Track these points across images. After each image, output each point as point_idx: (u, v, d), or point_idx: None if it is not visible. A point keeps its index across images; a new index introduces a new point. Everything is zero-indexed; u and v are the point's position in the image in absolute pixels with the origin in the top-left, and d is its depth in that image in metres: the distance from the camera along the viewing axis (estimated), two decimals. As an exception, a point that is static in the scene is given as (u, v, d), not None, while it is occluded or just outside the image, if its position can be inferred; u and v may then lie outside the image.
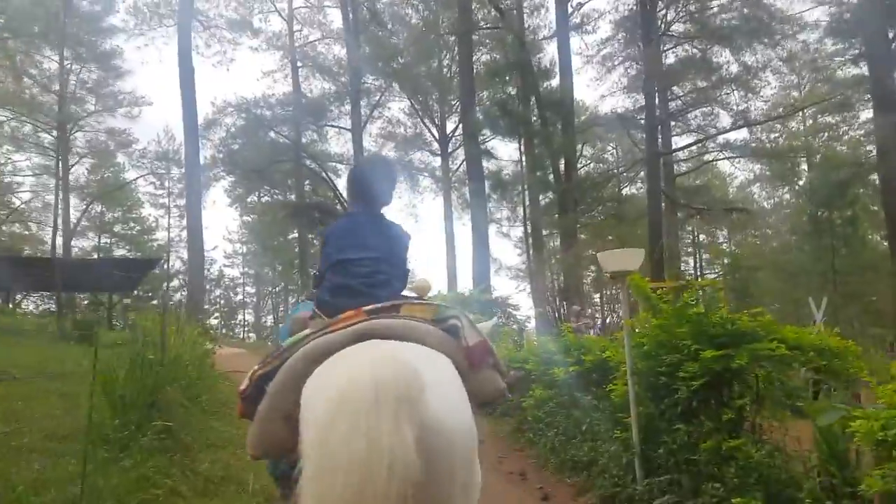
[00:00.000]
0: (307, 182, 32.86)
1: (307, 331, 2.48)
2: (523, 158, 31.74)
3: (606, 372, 7.25)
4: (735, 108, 27.34)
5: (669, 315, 5.67)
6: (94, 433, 4.69)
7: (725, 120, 28.17)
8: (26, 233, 46.47)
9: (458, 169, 36.56)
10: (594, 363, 7.44)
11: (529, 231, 31.48)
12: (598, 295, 44.61)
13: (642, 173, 35.08)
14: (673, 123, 29.41)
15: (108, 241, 49.38)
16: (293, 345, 2.39)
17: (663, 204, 25.66)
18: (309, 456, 1.67)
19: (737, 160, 32.77)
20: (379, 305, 2.47)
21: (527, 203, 31.76)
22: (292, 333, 2.63)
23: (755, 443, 4.98)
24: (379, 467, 1.55)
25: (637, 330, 6.29)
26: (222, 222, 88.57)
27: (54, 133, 42.54)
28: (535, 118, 25.73)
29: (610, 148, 39.03)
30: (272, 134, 29.15)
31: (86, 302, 40.65)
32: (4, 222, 44.02)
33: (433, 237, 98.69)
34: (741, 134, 29.47)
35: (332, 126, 31.48)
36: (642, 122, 26.17)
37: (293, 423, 2.06)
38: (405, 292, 3.10)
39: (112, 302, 37.25)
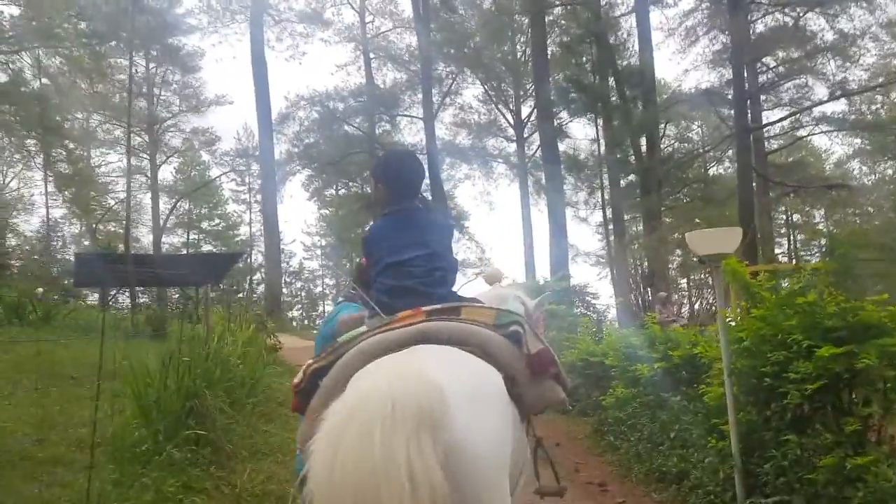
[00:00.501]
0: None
1: (364, 328, 2.43)
2: (601, 140, 30.41)
3: (697, 369, 6.38)
4: (831, 78, 25.22)
5: (773, 305, 4.78)
6: (119, 444, 4.23)
7: (821, 91, 26.01)
8: (120, 231, 48.63)
9: (534, 154, 35.66)
10: (683, 359, 6.58)
11: (609, 216, 30.24)
12: (684, 280, 42.62)
13: (730, 152, 33.37)
14: (763, 97, 27.45)
15: (196, 237, 50.91)
16: (350, 340, 2.33)
17: (754, 183, 23.99)
18: (316, 459, 1.52)
19: (834, 134, 30.41)
20: (439, 307, 2.41)
21: (605, 184, 30.41)
22: (339, 335, 2.50)
23: (887, 458, 4.07)
24: (397, 483, 1.41)
25: (733, 322, 5.41)
26: (301, 216, 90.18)
27: (144, 135, 44.18)
28: (613, 97, 24.53)
29: (694, 127, 37.05)
30: (346, 126, 28.98)
31: (176, 296, 42.19)
32: (100, 221, 46.04)
33: (509, 224, 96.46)
34: (838, 106, 27.24)
35: (405, 115, 31.05)
36: (730, 96, 24.55)
37: None
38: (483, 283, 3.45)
39: (198, 296, 38.35)
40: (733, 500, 4.67)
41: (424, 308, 2.39)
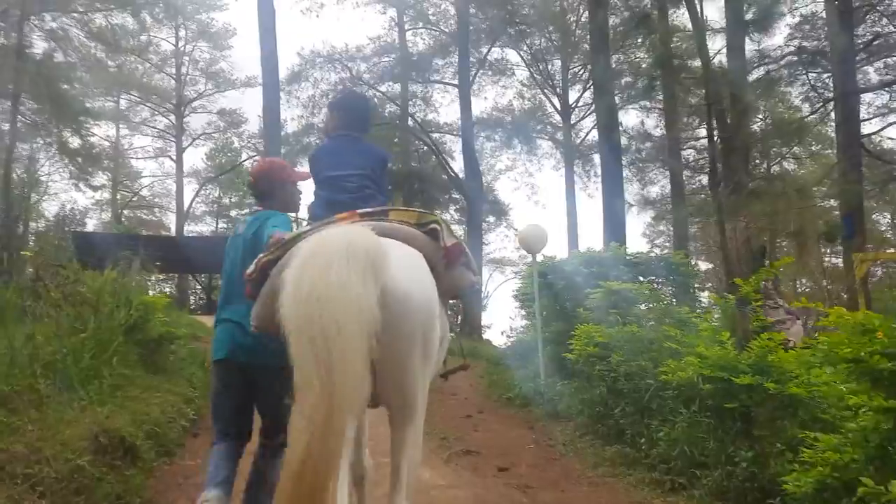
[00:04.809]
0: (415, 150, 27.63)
1: (307, 227, 2.75)
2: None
3: None
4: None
5: None
6: None
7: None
8: (152, 218, 45.08)
9: (582, 140, 30.58)
10: None
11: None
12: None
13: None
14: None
15: (226, 225, 47.06)
16: (295, 237, 2.54)
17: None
18: (287, 285, 1.87)
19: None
20: (370, 210, 2.73)
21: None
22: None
23: None
24: (351, 304, 1.78)
25: None
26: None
27: (171, 117, 40.45)
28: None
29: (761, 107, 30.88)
30: (372, 92, 24.16)
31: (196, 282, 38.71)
32: (125, 206, 42.47)
33: (553, 215, 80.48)
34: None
35: (439, 82, 25.88)
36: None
37: None
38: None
39: (211, 283, 34.38)
40: None
41: (359, 211, 2.69)
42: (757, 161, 26.41)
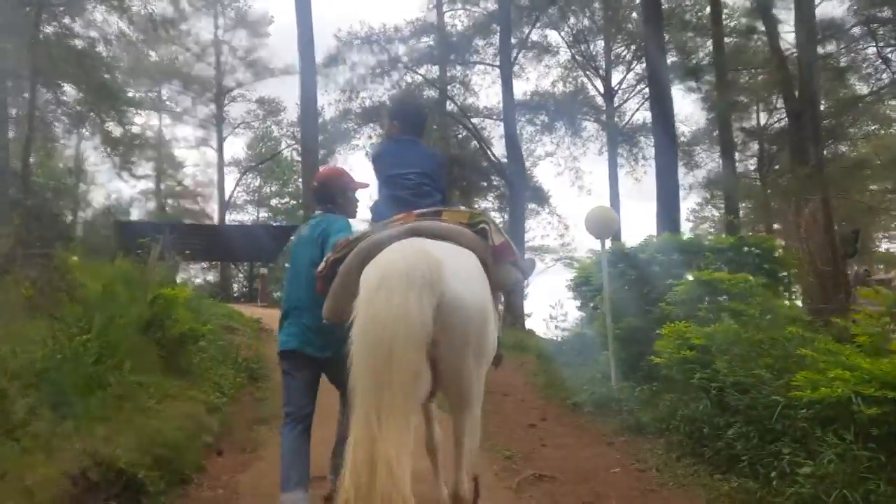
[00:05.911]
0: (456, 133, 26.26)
1: (368, 229, 3.00)
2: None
3: None
4: None
5: None
6: None
7: None
8: (196, 207, 44.57)
9: (626, 122, 28.88)
10: None
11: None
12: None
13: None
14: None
15: (267, 214, 46.44)
16: (359, 238, 2.88)
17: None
18: (359, 311, 2.17)
19: None
20: (426, 210, 2.96)
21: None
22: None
23: None
24: (405, 322, 2.06)
25: None
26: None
27: (212, 106, 39.86)
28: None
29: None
30: (410, 75, 22.87)
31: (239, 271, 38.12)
32: (170, 195, 42.02)
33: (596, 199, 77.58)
34: None
35: (479, 62, 24.36)
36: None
37: (354, 296, 2.33)
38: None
39: (253, 271, 33.69)
40: None
41: (415, 211, 2.93)
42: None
